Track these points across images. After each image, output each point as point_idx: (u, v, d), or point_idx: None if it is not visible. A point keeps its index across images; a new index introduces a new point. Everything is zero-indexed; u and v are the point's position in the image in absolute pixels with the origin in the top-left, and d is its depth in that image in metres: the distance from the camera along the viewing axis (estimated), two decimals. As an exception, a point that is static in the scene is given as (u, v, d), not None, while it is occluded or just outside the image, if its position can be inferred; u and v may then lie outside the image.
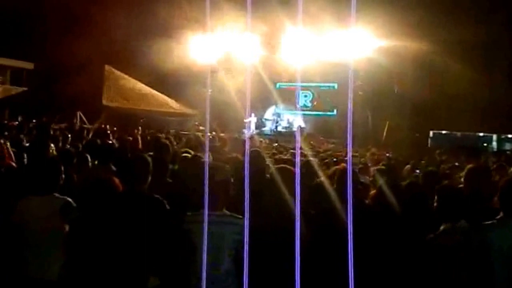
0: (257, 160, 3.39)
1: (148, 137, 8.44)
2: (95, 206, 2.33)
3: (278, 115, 23.76)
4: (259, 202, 2.23)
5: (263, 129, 22.89)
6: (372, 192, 3.05)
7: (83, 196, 2.42)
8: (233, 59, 18.68)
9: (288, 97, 23.85)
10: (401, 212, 2.58)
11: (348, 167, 2.11)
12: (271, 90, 23.58)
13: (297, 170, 1.92)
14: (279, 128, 23.19)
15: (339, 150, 11.62)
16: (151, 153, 3.59)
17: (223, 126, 20.29)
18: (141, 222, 2.39)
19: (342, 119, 21.11)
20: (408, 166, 6.29)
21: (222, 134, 14.32)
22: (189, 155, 4.33)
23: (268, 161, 4.48)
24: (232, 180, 2.42)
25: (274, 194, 2.42)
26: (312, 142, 14.97)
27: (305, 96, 24.12)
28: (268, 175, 2.83)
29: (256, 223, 1.55)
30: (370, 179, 3.89)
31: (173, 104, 18.83)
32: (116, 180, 2.51)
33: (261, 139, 12.93)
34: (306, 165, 3.62)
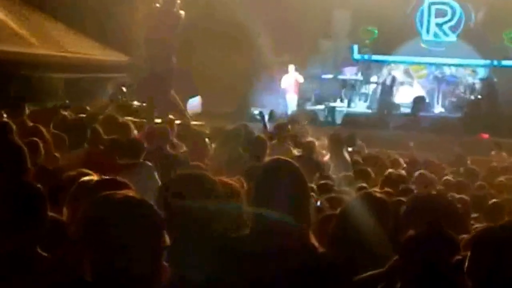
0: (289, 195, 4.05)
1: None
2: None
3: (365, 67, 24.29)
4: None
5: (317, 107, 23.39)
6: None
7: None
8: None
9: (388, 17, 23.68)
10: None
11: None
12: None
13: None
14: (359, 107, 23.60)
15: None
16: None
17: (205, 103, 20.48)
18: None
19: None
20: None
21: (197, 123, 14.67)
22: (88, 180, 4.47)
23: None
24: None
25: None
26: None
27: (442, 13, 24.08)
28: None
29: None
30: None
31: (64, 37, 18.96)
32: None
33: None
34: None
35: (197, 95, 21.96)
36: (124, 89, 19.03)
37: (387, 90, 23.04)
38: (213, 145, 11.18)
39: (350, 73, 24.14)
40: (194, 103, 21.58)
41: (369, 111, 23.25)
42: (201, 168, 7.96)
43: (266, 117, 17.62)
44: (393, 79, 23.34)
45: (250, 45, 21.82)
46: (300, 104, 22.98)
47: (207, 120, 17.71)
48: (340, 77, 23.93)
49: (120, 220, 2.96)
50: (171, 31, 16.59)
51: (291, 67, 22.60)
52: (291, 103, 22.50)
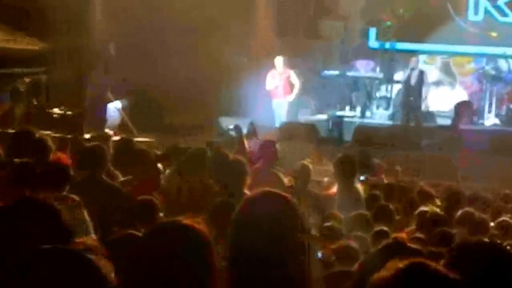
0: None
1: None
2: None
3: (386, 59, 24.58)
4: None
5: (317, 117, 23.58)
6: None
7: None
8: None
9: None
10: None
11: None
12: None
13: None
14: (377, 117, 23.89)
15: None
16: None
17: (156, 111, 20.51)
18: None
19: None
20: None
21: (144, 140, 14.78)
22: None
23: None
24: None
25: None
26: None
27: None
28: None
29: None
30: None
31: None
32: None
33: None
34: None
35: (118, 99, 21.89)
36: (26, 80, 19.07)
37: (413, 91, 22.98)
38: (167, 172, 11.22)
39: (364, 69, 24.25)
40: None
41: (391, 122, 23.34)
42: (152, 203, 7.95)
43: (244, 131, 17.63)
44: (421, 75, 23.16)
45: (220, 28, 21.91)
46: (293, 112, 23.01)
47: (159, 135, 17.76)
48: (351, 74, 23.97)
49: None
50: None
51: (279, 60, 22.59)
52: (280, 111, 22.53)
